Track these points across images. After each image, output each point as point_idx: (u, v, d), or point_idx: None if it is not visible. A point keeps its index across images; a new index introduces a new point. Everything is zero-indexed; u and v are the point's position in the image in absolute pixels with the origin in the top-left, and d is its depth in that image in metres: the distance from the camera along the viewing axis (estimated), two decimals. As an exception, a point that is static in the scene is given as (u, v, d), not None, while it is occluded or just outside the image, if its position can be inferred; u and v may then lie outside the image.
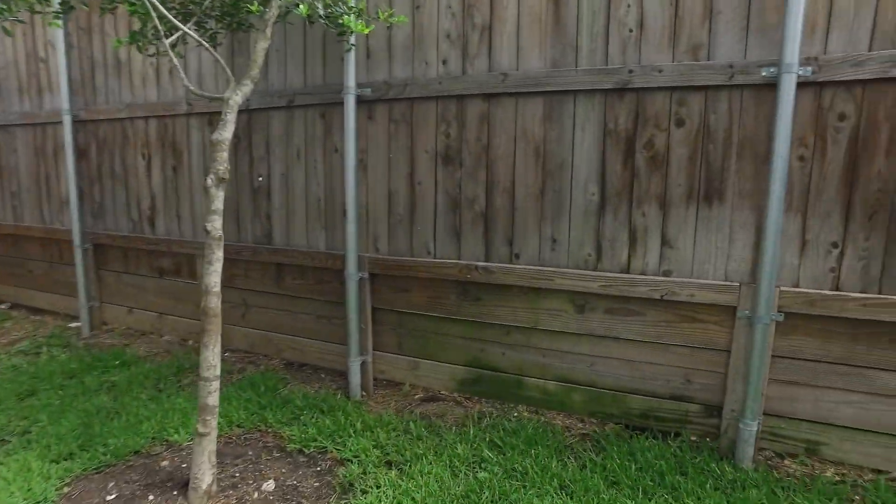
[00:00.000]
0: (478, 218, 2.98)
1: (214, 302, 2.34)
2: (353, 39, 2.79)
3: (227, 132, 2.32)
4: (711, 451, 2.60)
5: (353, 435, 2.81)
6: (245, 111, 3.47)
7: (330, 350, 3.53)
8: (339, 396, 3.25)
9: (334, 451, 2.70)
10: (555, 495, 2.35)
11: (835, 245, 2.36)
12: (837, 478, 2.43)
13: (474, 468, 2.56)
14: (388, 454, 2.67)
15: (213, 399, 2.35)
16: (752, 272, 2.49)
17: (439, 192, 3.04)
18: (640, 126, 2.61)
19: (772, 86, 2.33)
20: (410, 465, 2.56)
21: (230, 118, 2.32)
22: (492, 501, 2.29)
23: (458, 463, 2.58)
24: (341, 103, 3.13)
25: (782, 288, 2.42)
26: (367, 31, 2.33)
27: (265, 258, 3.59)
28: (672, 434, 2.74)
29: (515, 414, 3.04)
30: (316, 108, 3.26)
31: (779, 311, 2.43)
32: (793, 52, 2.23)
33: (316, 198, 3.36)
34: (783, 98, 2.27)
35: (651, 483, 2.38)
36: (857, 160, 2.29)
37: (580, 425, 2.95)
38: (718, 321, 2.58)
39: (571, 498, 2.32)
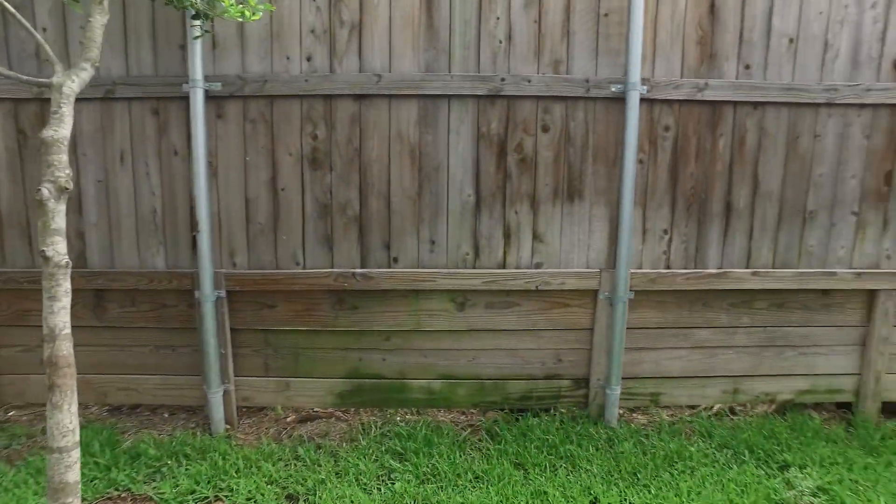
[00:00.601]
0: (351, 223, 2.87)
1: (66, 348, 1.84)
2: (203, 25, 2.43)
3: (63, 129, 1.83)
4: (586, 419, 2.99)
5: (238, 475, 2.50)
6: (36, 100, 2.74)
7: (174, 384, 3.03)
8: (200, 435, 2.83)
9: (223, 498, 2.37)
10: (473, 488, 2.46)
11: (665, 232, 2.91)
12: (673, 419, 3.04)
13: (385, 481, 2.51)
14: (286, 487, 2.45)
15: (74, 474, 1.86)
16: (608, 259, 2.91)
17: (307, 198, 2.85)
18: (510, 130, 2.83)
19: (620, 100, 2.76)
20: (316, 494, 2.40)
21: (66, 111, 1.84)
22: (421, 509, 2.31)
23: (366, 479, 2.50)
24: (180, 98, 2.70)
25: (631, 270, 2.91)
26: (252, 19, 2.06)
27: (76, 285, 2.91)
28: (550, 409, 3.06)
29: (399, 418, 3.05)
30: (145, 101, 2.73)
31: (630, 290, 2.92)
32: (636, 73, 2.67)
33: (151, 209, 2.83)
34: (630, 110, 2.70)
35: (550, 457, 2.65)
36: (678, 163, 2.85)
37: (463, 418, 3.09)
38: (582, 304, 2.96)
39: (490, 486, 2.46)
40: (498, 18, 2.73)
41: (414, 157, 2.83)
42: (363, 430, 2.91)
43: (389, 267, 2.90)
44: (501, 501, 2.35)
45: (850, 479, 2.53)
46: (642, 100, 2.75)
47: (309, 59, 2.74)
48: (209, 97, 2.70)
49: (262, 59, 2.74)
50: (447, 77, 2.73)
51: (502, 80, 2.74)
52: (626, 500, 2.38)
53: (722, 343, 3.05)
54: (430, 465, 2.58)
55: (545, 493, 2.41)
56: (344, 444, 2.79)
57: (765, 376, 3.10)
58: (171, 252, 2.88)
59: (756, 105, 2.83)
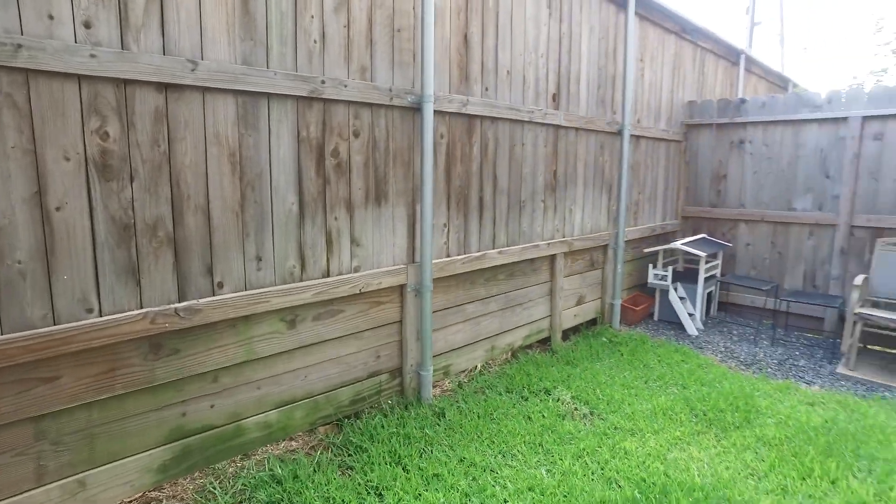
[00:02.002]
0: (164, 246, 2.27)
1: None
2: None
3: None
4: (409, 403, 3.30)
5: None
6: None
7: None
8: None
9: None
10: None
11: (444, 225, 3.42)
12: (463, 381, 3.66)
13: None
14: None
15: None
16: (408, 254, 3.22)
17: (98, 219, 2.09)
18: (328, 135, 2.77)
19: (414, 109, 3.08)
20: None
21: None
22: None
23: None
24: None
25: (445, 260, 3.30)
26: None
27: None
28: (378, 405, 3.22)
29: (232, 470, 2.60)
30: None
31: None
32: (430, 86, 3.06)
33: None
34: (427, 121, 3.08)
35: (409, 444, 2.86)
36: (450, 165, 3.39)
37: (308, 438, 2.91)
38: (392, 299, 3.19)
39: (381, 498, 2.47)
40: (312, 17, 2.63)
41: (234, 162, 2.44)
42: None
43: (214, 294, 2.43)
44: (421, 491, 2.49)
45: (576, 384, 3.71)
46: (417, 110, 3.17)
47: (87, 26, 2.00)
48: None
49: (5, 7, 1.83)
50: (270, 73, 2.48)
51: (322, 82, 2.67)
52: (478, 454, 2.86)
53: (482, 312, 3.82)
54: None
55: (437, 475, 2.65)
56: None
57: (507, 332, 4.05)
58: None
59: (494, 119, 3.64)
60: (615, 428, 3.23)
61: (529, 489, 2.61)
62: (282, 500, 2.43)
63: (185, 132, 2.30)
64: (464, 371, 3.80)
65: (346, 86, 2.78)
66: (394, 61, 3.03)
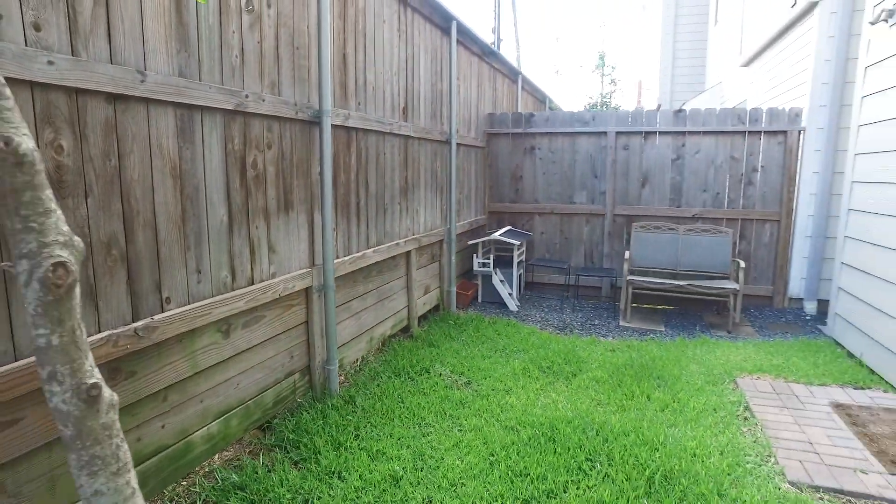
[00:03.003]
0: (118, 264, 2.14)
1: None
2: None
3: None
4: (321, 396, 3.52)
5: None
6: None
7: None
8: None
9: None
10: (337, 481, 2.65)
11: (334, 229, 3.64)
12: (357, 370, 3.96)
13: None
14: None
15: None
16: (310, 258, 3.40)
17: None
18: (248, 147, 2.82)
19: (313, 123, 3.26)
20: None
21: None
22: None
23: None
24: None
25: (346, 259, 3.50)
26: None
27: None
28: (294, 403, 3.38)
29: (183, 488, 2.55)
30: None
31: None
32: (328, 101, 3.30)
33: None
34: (325, 132, 3.32)
35: (341, 438, 3.12)
36: (336, 174, 3.64)
37: (240, 445, 2.91)
38: (300, 301, 3.35)
39: (343, 479, 2.69)
40: (234, 31, 2.67)
41: (175, 175, 2.40)
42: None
43: (163, 311, 2.37)
44: (373, 466, 2.79)
45: (447, 361, 4.31)
46: (313, 123, 3.38)
47: (37, 28, 1.82)
48: None
49: None
50: (205, 86, 2.48)
51: (246, 96, 2.74)
52: (401, 429, 3.29)
53: (363, 307, 4.14)
54: None
55: (379, 451, 2.98)
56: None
57: (379, 323, 4.43)
58: None
59: (366, 132, 3.99)
60: (493, 389, 3.92)
61: (455, 445, 3.11)
62: (254, 502, 2.52)
63: (133, 145, 2.23)
64: (353, 362, 4.09)
65: (263, 100, 2.89)
66: (295, 77, 3.20)
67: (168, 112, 2.39)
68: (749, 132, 6.14)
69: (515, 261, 6.23)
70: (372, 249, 4.18)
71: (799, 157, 6.04)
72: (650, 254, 6.25)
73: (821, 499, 2.73)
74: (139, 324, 2.27)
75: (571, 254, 6.92)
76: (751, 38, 8.36)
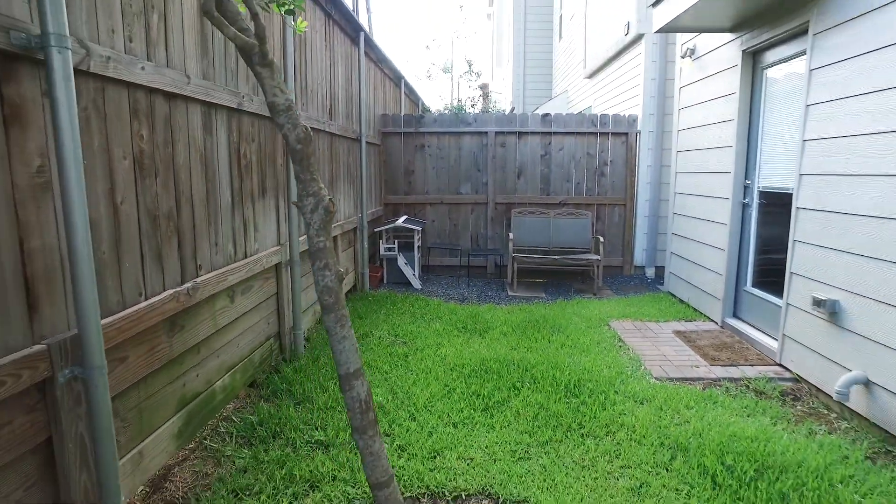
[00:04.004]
0: (173, 236, 2.63)
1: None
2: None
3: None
4: (290, 358, 4.15)
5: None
6: None
7: None
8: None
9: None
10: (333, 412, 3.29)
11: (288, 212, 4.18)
12: (307, 340, 4.52)
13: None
14: None
15: None
16: (278, 237, 3.92)
17: (141, 210, 2.40)
18: (241, 140, 3.31)
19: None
20: None
21: None
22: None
23: None
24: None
25: (301, 238, 4.05)
26: None
27: None
28: (271, 363, 3.95)
29: (211, 428, 3.00)
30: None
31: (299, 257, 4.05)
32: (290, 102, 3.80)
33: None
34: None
35: (326, 383, 3.76)
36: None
37: (241, 399, 3.38)
38: (273, 275, 3.89)
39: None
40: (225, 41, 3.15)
41: (203, 162, 2.90)
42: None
43: (198, 275, 2.83)
44: None
45: (381, 328, 5.04)
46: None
47: (130, 39, 2.26)
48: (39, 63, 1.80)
49: (89, 23, 2.02)
50: (220, 88, 2.97)
51: (243, 96, 3.23)
52: (368, 375, 4.00)
53: (310, 283, 4.68)
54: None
55: None
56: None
57: None
58: None
59: (319, 131, 4.53)
60: (426, 345, 4.76)
61: (415, 383, 3.91)
62: (276, 431, 3.10)
63: (179, 136, 2.71)
64: (304, 330, 4.64)
65: (252, 100, 3.41)
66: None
67: (198, 109, 2.89)
68: (600, 133, 7.69)
69: (416, 245, 7.10)
70: (314, 232, 4.77)
71: (637, 154, 7.71)
72: (528, 235, 7.50)
73: (674, 384, 4.00)
74: (188, 285, 2.76)
75: (460, 238, 7.97)
76: (593, 55, 10.13)
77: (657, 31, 5.50)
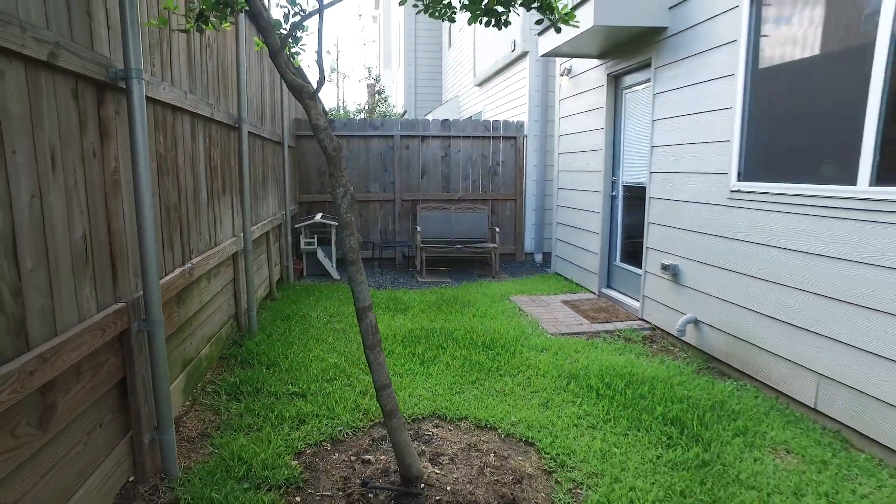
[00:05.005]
0: (177, 224, 3.28)
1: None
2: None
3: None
4: (247, 335, 4.83)
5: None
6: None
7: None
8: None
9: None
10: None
11: (240, 208, 4.77)
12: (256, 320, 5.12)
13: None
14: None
15: None
16: (233, 230, 4.51)
17: (161, 204, 3.04)
18: (212, 145, 3.89)
19: (236, 128, 4.40)
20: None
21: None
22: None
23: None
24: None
25: (254, 228, 4.64)
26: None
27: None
28: (232, 339, 4.60)
29: (201, 387, 3.59)
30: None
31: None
32: (245, 111, 4.45)
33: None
34: (244, 135, 4.53)
35: (283, 356, 4.53)
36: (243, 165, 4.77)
37: (213, 371, 3.96)
38: (231, 262, 4.47)
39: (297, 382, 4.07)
40: (207, 60, 3.75)
41: (192, 163, 3.58)
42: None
43: (191, 258, 3.48)
44: (319, 364, 4.24)
45: (316, 310, 5.75)
46: (234, 128, 4.53)
47: (153, 65, 2.86)
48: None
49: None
50: (202, 100, 3.57)
51: (214, 107, 3.82)
52: (317, 350, 4.73)
53: (255, 270, 5.26)
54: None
55: (315, 356, 4.35)
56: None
57: (260, 286, 5.59)
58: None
59: (253, 135, 5.12)
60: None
61: (358, 348, 4.69)
62: (258, 388, 3.78)
63: (178, 141, 3.33)
64: (256, 311, 5.25)
65: (219, 110, 4.02)
66: (226, 95, 4.33)
67: (187, 118, 3.52)
68: (493, 137, 8.87)
69: (333, 239, 7.81)
70: (258, 226, 5.39)
71: (525, 155, 8.99)
72: (433, 228, 8.49)
73: (565, 337, 5.16)
74: (188, 265, 3.39)
75: (371, 233, 8.78)
76: (483, 65, 11.37)
77: (542, 56, 6.72)
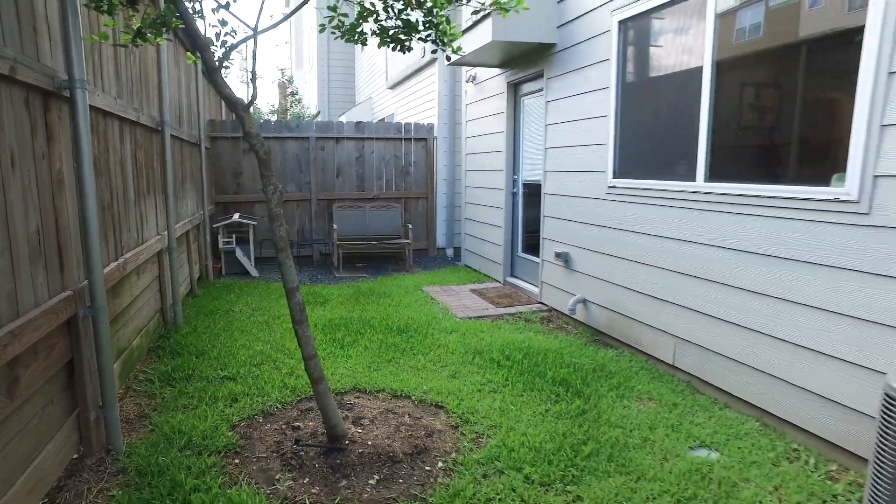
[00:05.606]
0: (111, 221, 3.49)
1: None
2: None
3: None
4: (174, 329, 5.05)
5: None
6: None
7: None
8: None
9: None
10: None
11: (165, 207, 4.95)
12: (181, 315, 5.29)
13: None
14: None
15: None
16: (157, 228, 4.69)
17: (98, 201, 3.15)
18: (137, 148, 4.10)
19: (160, 131, 4.58)
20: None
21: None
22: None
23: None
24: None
25: (178, 226, 4.83)
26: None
27: None
28: (161, 334, 4.86)
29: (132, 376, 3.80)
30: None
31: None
32: (168, 114, 4.63)
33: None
34: (166, 138, 4.70)
35: (211, 345, 4.73)
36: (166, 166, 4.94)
37: (143, 362, 4.16)
38: (157, 259, 4.65)
39: (227, 372, 4.35)
40: (132, 66, 3.94)
41: (121, 164, 3.75)
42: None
43: (124, 254, 3.70)
44: (246, 352, 4.56)
45: (238, 304, 5.99)
46: (157, 131, 4.72)
47: (93, 74, 3.06)
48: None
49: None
50: (131, 106, 3.77)
51: (139, 111, 4.02)
52: (245, 341, 4.99)
53: (179, 267, 5.42)
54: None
55: (242, 345, 4.63)
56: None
57: (182, 283, 5.71)
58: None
59: (173, 137, 5.28)
60: (281, 314, 5.88)
61: (282, 336, 5.02)
62: (190, 374, 4.05)
63: (108, 144, 3.54)
64: (181, 306, 5.41)
65: (143, 114, 4.22)
66: (148, 99, 4.52)
67: (116, 122, 3.74)
68: (405, 139, 9.35)
69: (252, 238, 7.99)
70: (180, 225, 5.56)
71: (435, 156, 9.54)
72: (349, 226, 8.86)
73: (472, 320, 5.75)
74: (122, 260, 3.62)
75: (288, 231, 8.97)
76: (395, 69, 11.82)
77: (449, 65, 7.28)
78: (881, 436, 1.34)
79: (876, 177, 2.87)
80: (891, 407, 1.32)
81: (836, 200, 3.05)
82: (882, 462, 1.34)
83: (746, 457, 3.16)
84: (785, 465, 3.10)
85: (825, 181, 3.16)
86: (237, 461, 3.08)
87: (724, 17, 3.78)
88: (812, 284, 3.22)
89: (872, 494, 1.36)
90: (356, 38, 2.98)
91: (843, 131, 3.04)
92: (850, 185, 2.98)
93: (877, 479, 1.35)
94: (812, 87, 3.30)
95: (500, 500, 2.76)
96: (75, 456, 2.98)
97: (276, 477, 2.94)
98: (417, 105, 10.65)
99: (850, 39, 2.98)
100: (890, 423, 1.31)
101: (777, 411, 3.46)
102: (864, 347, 2.95)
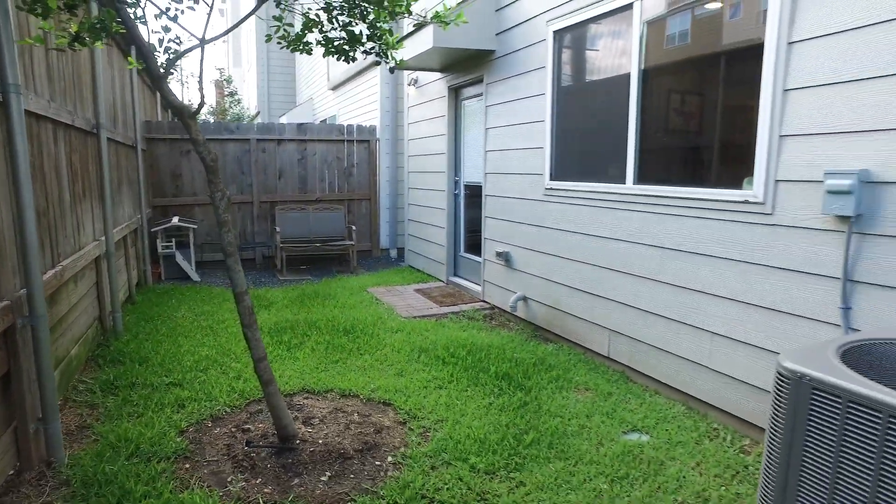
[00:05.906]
0: (46, 228, 3.40)
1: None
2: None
3: None
4: (113, 336, 4.94)
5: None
6: None
7: None
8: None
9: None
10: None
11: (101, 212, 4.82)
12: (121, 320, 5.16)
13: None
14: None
15: None
16: (94, 234, 4.55)
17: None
18: (72, 151, 3.99)
19: (94, 134, 4.46)
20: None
21: None
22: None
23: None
24: None
25: (116, 231, 4.71)
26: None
27: None
28: (100, 342, 4.74)
29: (72, 385, 3.70)
30: None
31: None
32: (103, 116, 4.50)
33: None
34: (103, 142, 4.58)
35: (155, 352, 4.67)
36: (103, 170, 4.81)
37: (83, 371, 4.03)
38: (94, 266, 4.53)
39: (170, 374, 4.29)
40: (64, 67, 3.82)
41: (55, 169, 3.70)
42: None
43: (61, 261, 3.60)
44: (192, 358, 4.50)
45: (181, 310, 5.88)
46: (92, 133, 4.59)
47: (25, 76, 2.98)
48: None
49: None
50: (64, 108, 3.67)
51: (74, 114, 3.91)
52: (186, 343, 4.96)
53: (120, 270, 5.27)
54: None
55: (187, 350, 4.58)
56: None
57: (120, 290, 5.55)
58: None
59: (109, 140, 5.13)
60: (225, 318, 5.84)
61: (228, 341, 4.99)
62: (133, 382, 3.99)
63: (42, 149, 3.45)
64: (120, 313, 5.27)
65: (78, 116, 4.11)
66: (83, 101, 4.39)
67: (49, 125, 3.64)
68: (347, 140, 9.37)
69: (191, 243, 7.82)
70: (117, 230, 5.41)
71: (378, 158, 9.61)
72: (292, 228, 8.81)
73: (417, 319, 5.88)
74: (59, 267, 3.54)
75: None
76: (337, 70, 11.79)
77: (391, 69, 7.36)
78: (774, 409, 1.56)
79: (777, 181, 3.19)
80: (780, 382, 1.53)
81: (746, 202, 3.36)
82: (775, 432, 1.55)
83: (673, 438, 3.43)
84: (706, 443, 3.40)
85: (738, 184, 3.47)
86: (188, 466, 3.09)
87: (650, 28, 4.05)
88: (726, 278, 3.53)
89: (767, 461, 1.58)
90: (301, 48, 3.05)
91: (752, 139, 3.36)
92: (756, 188, 3.29)
93: (771, 447, 1.57)
94: (727, 96, 3.60)
95: (448, 489, 2.90)
96: (11, 472, 2.92)
97: (229, 479, 2.98)
98: (360, 107, 10.68)
99: (759, 53, 3.30)
100: (780, 396, 1.53)
101: (700, 395, 3.76)
102: (769, 333, 3.28)
